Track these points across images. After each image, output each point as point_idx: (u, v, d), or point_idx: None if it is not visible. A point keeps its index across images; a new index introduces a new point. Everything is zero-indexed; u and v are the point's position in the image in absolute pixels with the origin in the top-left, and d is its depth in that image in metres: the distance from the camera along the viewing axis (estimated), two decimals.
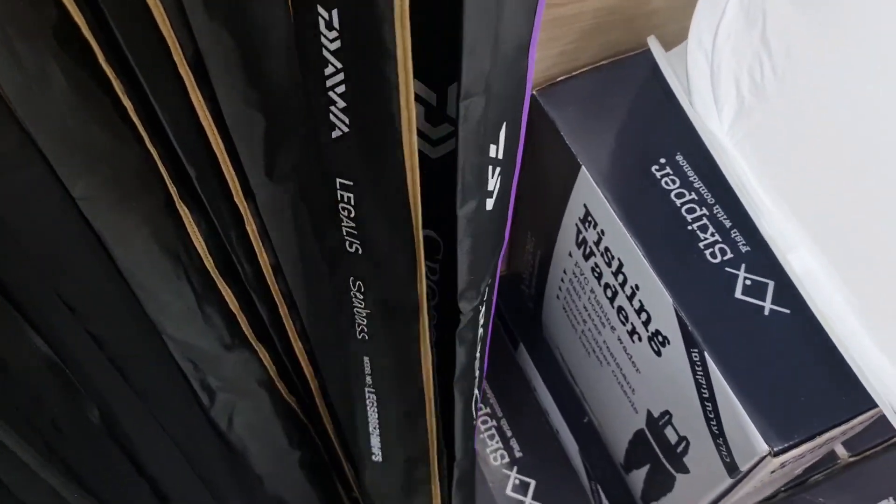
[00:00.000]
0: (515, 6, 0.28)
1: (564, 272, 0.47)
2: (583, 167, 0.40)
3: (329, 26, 0.24)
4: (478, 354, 0.41)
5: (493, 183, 0.33)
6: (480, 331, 0.40)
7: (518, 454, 0.53)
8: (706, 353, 0.35)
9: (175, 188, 0.29)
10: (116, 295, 0.31)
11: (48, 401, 0.31)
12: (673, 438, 0.40)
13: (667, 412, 0.40)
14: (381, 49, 0.26)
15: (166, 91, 0.26)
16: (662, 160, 0.40)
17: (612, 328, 0.43)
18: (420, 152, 0.32)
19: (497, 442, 0.54)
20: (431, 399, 0.39)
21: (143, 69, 0.25)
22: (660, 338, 0.38)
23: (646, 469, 0.46)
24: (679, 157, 0.40)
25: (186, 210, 0.30)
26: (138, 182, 0.29)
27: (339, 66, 0.26)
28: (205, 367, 0.38)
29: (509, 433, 0.54)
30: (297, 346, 0.39)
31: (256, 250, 0.33)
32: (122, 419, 0.35)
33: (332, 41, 0.25)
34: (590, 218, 0.41)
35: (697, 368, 0.35)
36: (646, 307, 0.38)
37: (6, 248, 0.27)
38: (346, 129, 0.28)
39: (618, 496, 0.51)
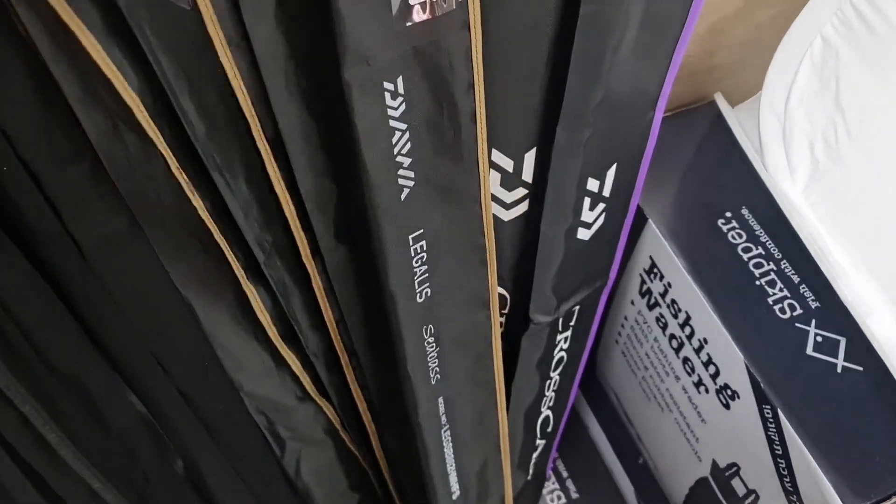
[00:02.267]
0: (640, 63, 0.29)
1: (626, 318, 0.47)
2: (650, 220, 0.41)
3: (394, 95, 0.26)
4: (553, 376, 0.42)
5: (593, 216, 0.34)
6: (561, 354, 0.41)
7: (574, 495, 0.54)
8: (779, 411, 0.35)
9: (242, 271, 0.31)
10: (203, 356, 0.33)
11: (141, 455, 0.32)
12: (741, 490, 0.40)
13: (734, 464, 0.40)
14: (455, 114, 0.27)
15: (244, 167, 0.27)
16: (728, 214, 0.40)
17: (677, 377, 0.43)
18: (493, 215, 0.33)
19: (553, 483, 0.54)
20: (506, 423, 0.40)
21: (217, 141, 0.26)
22: (729, 391, 0.38)
23: None
24: (745, 211, 0.40)
25: (252, 288, 0.32)
26: (213, 263, 0.30)
27: (404, 127, 0.27)
28: (277, 419, 0.39)
29: (565, 474, 0.55)
30: (357, 396, 0.41)
31: (322, 306, 0.34)
32: (204, 469, 0.36)
33: (396, 108, 0.26)
34: (656, 269, 0.42)
35: (770, 425, 0.36)
36: (714, 361, 0.39)
37: (112, 317, 0.28)
38: (411, 185, 0.29)
39: None
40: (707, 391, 0.40)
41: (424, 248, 0.31)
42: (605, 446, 0.56)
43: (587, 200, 0.34)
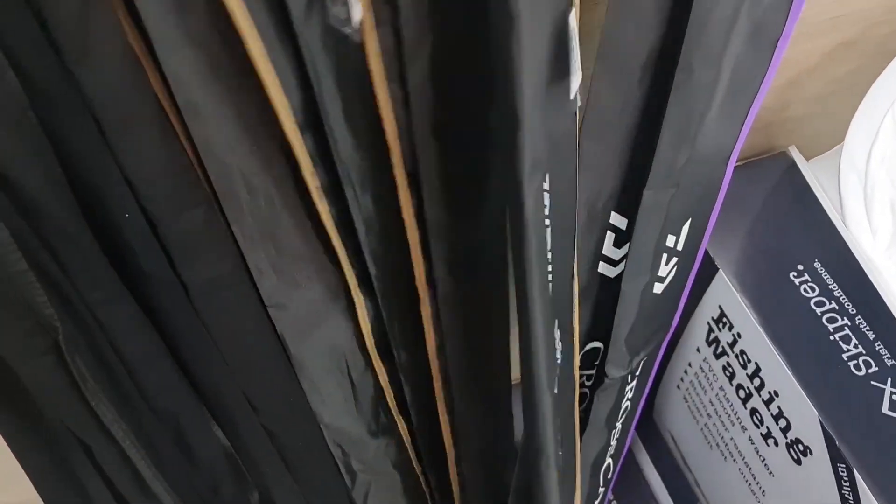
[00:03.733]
0: (722, 120, 0.30)
1: (689, 365, 0.47)
2: (720, 270, 0.41)
3: (547, 192, 0.27)
4: (618, 425, 0.42)
5: (667, 270, 0.35)
6: (627, 404, 0.41)
7: None
8: (855, 470, 0.35)
9: (355, 279, 0.31)
10: (291, 393, 0.34)
11: (223, 489, 0.33)
12: None
13: None
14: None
15: (376, 187, 0.28)
16: (800, 266, 0.40)
17: (743, 428, 0.43)
18: (600, 274, 0.34)
19: None
20: (579, 474, 0.40)
21: (357, 158, 0.27)
22: (800, 447, 0.38)
23: None
24: (818, 265, 0.40)
25: (361, 297, 0.32)
26: (323, 279, 0.31)
27: (548, 223, 0.28)
28: (351, 452, 0.40)
29: None
30: (443, 419, 0.41)
31: (426, 330, 0.35)
32: (279, 501, 0.37)
33: (546, 206, 0.27)
34: (725, 319, 0.42)
35: (844, 483, 0.35)
36: (785, 414, 0.39)
37: (209, 358, 0.29)
38: (551, 278, 0.30)
39: None
40: (776, 444, 0.40)
41: (558, 338, 0.32)
42: (660, 488, 0.56)
43: (664, 256, 0.34)
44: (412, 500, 0.47)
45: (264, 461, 0.34)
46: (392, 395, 0.39)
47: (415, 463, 0.44)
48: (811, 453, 0.37)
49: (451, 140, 0.26)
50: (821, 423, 0.36)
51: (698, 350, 0.46)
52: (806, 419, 0.37)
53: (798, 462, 0.38)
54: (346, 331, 0.34)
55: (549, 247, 0.28)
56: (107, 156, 0.23)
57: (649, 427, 0.57)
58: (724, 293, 0.41)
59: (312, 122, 0.25)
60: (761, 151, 0.45)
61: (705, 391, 0.46)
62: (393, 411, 0.40)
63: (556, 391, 0.34)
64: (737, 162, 0.46)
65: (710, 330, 0.43)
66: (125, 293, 0.25)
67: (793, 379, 0.37)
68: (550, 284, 0.30)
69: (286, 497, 0.37)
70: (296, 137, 0.25)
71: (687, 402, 0.49)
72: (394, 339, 0.35)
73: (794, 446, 0.38)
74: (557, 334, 0.32)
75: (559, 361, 0.33)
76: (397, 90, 0.24)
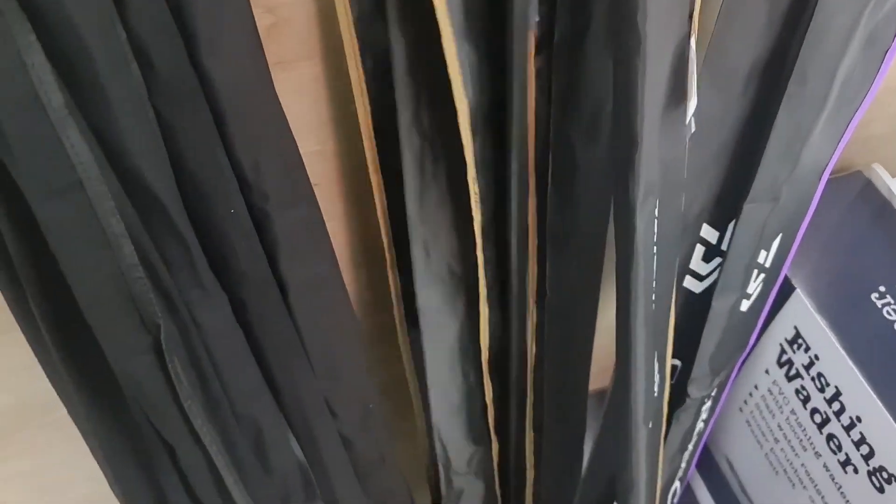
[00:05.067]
0: (825, 132, 0.29)
1: (756, 387, 0.46)
2: (797, 290, 0.40)
3: (656, 217, 0.26)
4: (690, 447, 0.41)
5: (755, 287, 0.34)
6: (700, 425, 0.40)
7: None
8: None
9: (486, 290, 0.31)
10: (371, 399, 0.33)
11: (293, 498, 0.32)
12: None
13: None
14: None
15: (521, 197, 0.28)
16: (882, 288, 0.39)
17: (817, 454, 0.41)
18: (685, 289, 0.33)
19: None
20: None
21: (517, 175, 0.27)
22: (884, 475, 0.37)
23: None
24: None
25: (487, 309, 0.32)
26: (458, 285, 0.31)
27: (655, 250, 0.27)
28: (453, 456, 0.39)
29: None
30: (528, 437, 0.40)
31: (528, 344, 0.34)
32: None
33: (655, 231, 0.26)
34: (800, 340, 0.40)
35: None
36: (868, 441, 0.37)
37: (295, 362, 0.29)
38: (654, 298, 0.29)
39: None
40: (856, 471, 0.38)
41: (657, 370, 0.31)
42: None
43: (755, 272, 0.33)
44: None
45: (337, 472, 0.33)
46: (493, 414, 0.38)
47: (497, 482, 0.43)
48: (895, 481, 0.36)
49: (578, 147, 0.26)
50: None
51: (767, 372, 0.44)
52: (892, 445, 0.36)
53: (881, 490, 0.37)
54: (467, 339, 0.34)
55: (654, 275, 0.28)
56: (220, 150, 0.22)
57: (703, 453, 0.55)
58: (801, 313, 0.40)
59: (482, 125, 0.25)
60: (839, 169, 0.44)
61: (773, 415, 0.45)
62: (491, 428, 0.39)
63: (650, 425, 0.33)
64: None
65: (783, 351, 0.42)
66: (222, 295, 0.25)
67: (879, 403, 0.36)
68: (653, 307, 0.29)
69: None
70: (468, 140, 0.24)
71: (750, 425, 0.48)
72: (511, 354, 0.35)
73: (878, 474, 0.37)
74: (657, 366, 0.31)
75: (656, 394, 0.32)
76: (544, 80, 0.24)
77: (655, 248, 0.26)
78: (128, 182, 0.20)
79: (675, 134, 0.25)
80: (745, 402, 0.48)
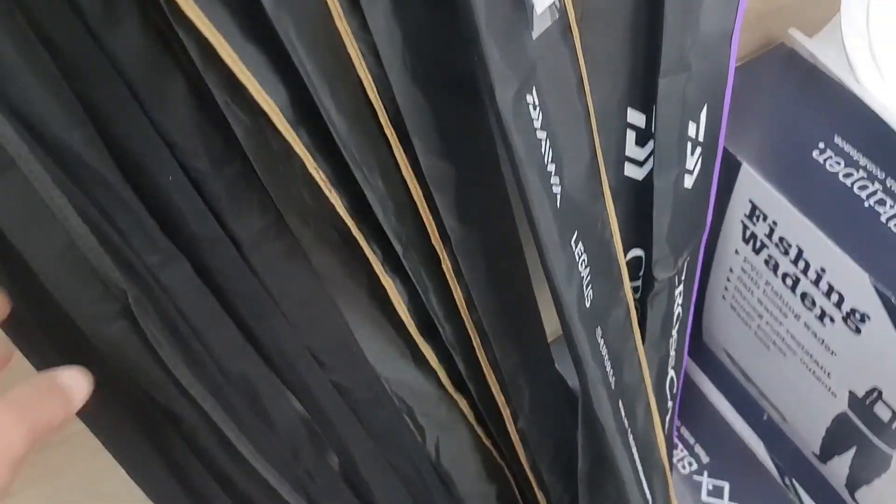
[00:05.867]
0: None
1: (731, 270, 0.47)
2: (743, 164, 0.41)
3: (535, 106, 0.27)
4: (674, 334, 0.42)
5: (693, 162, 0.35)
6: (678, 310, 0.41)
7: (705, 459, 0.53)
8: None
9: (380, 265, 0.32)
10: (352, 343, 0.34)
11: (302, 453, 0.34)
12: (885, 415, 0.40)
13: (874, 389, 0.40)
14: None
15: (379, 162, 0.29)
16: (821, 144, 0.41)
17: (797, 316, 0.43)
18: (628, 178, 0.34)
19: (682, 450, 0.54)
20: (651, 389, 0.40)
21: (354, 136, 0.28)
22: (857, 315, 0.38)
23: (851, 453, 0.45)
24: (837, 139, 0.40)
25: (391, 281, 0.33)
26: (354, 257, 0.32)
27: (544, 135, 0.29)
28: (414, 405, 0.40)
29: (692, 440, 0.55)
30: (491, 380, 0.42)
31: (451, 288, 0.36)
32: (359, 461, 0.37)
33: (537, 119, 0.27)
34: (757, 212, 0.42)
35: None
36: (836, 288, 0.39)
37: (269, 315, 0.30)
38: (559, 191, 0.30)
39: (815, 488, 0.51)
40: (833, 321, 0.40)
41: (583, 250, 0.32)
42: (726, 408, 0.56)
43: (689, 146, 0.35)
44: (484, 458, 0.47)
45: (338, 420, 0.35)
46: (445, 373, 0.39)
47: (478, 429, 0.44)
48: (869, 318, 0.37)
49: (425, 86, 0.27)
50: (873, 285, 0.36)
51: (737, 252, 0.46)
52: (858, 286, 0.37)
53: (857, 331, 0.38)
54: (383, 318, 0.35)
55: (548, 158, 0.29)
56: (143, 120, 0.24)
57: (703, 351, 0.57)
58: (753, 186, 0.41)
59: (301, 116, 0.26)
60: (763, 45, 0.45)
61: (752, 292, 0.46)
62: (449, 389, 0.40)
63: (586, 305, 0.34)
64: (740, 60, 0.47)
65: (745, 227, 0.44)
66: (180, 256, 0.26)
67: (837, 250, 0.37)
68: (558, 197, 0.31)
69: (365, 456, 0.37)
70: (288, 133, 0.26)
71: (735, 310, 0.49)
72: (434, 314, 0.36)
73: (851, 317, 0.38)
74: (580, 247, 0.33)
75: (583, 273, 0.33)
76: (367, 48, 0.25)
77: (542, 133, 0.27)
78: (62, 158, 0.22)
79: (526, 22, 0.26)
80: (726, 288, 0.49)
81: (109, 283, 0.23)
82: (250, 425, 0.30)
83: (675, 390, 0.46)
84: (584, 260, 0.33)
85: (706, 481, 0.53)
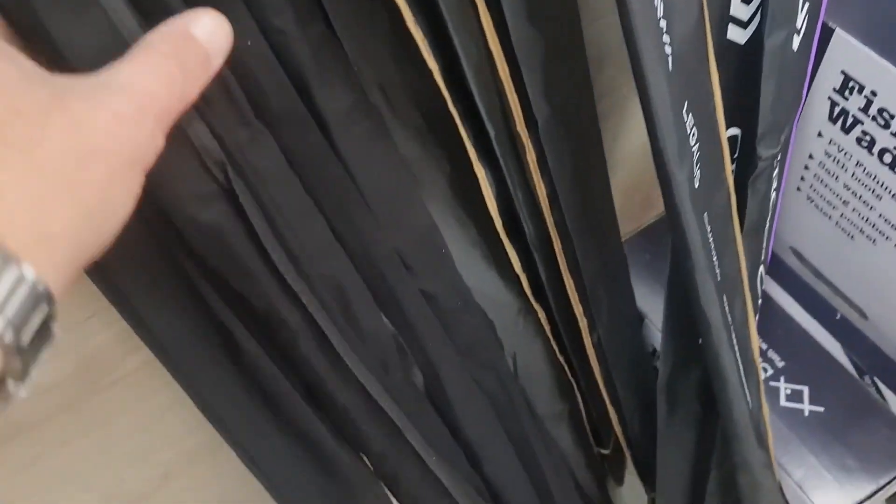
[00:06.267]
0: None
1: (811, 157, 0.44)
2: (837, 30, 0.38)
3: None
4: (767, 223, 0.39)
5: (801, 18, 0.32)
6: (773, 195, 0.38)
7: (780, 364, 0.51)
8: None
9: (473, 150, 0.29)
10: (438, 248, 0.31)
11: (390, 363, 0.31)
12: None
13: None
14: None
15: (472, 36, 0.26)
16: None
17: (894, 196, 0.40)
18: (731, 42, 0.31)
19: None
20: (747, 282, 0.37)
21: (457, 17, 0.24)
22: None
23: None
24: None
25: (482, 169, 0.30)
26: (434, 144, 0.28)
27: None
28: (495, 318, 0.37)
29: (764, 346, 0.52)
30: (574, 299, 0.38)
31: (535, 182, 0.32)
32: (444, 378, 0.34)
33: None
34: (851, 83, 0.38)
35: None
36: None
37: (357, 210, 0.26)
38: (670, 55, 0.27)
39: None
40: None
41: (693, 123, 0.29)
42: (796, 311, 0.53)
43: (801, 1, 0.31)
44: (558, 375, 0.45)
45: (426, 332, 0.32)
46: (527, 280, 0.36)
47: (553, 344, 0.41)
48: None
49: None
50: None
51: (820, 135, 0.42)
52: None
53: None
54: (466, 216, 0.32)
55: (660, 12, 0.25)
56: None
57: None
58: (847, 53, 0.38)
59: None
60: None
61: (837, 177, 0.43)
62: (530, 297, 0.37)
63: (695, 186, 0.31)
64: None
65: (834, 104, 0.40)
66: (268, 133, 0.22)
67: None
68: (670, 59, 0.27)
69: (450, 372, 0.34)
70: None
71: (813, 200, 0.46)
72: (520, 209, 0.32)
73: None
74: (690, 119, 0.29)
75: (693, 150, 0.30)
76: None
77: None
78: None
79: None
80: (803, 178, 0.46)
81: (206, 154, 0.20)
82: (346, 331, 0.27)
83: (763, 286, 0.43)
84: (694, 134, 0.30)
85: (783, 386, 0.50)
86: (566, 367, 0.44)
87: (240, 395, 0.27)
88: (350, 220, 0.26)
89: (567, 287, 0.38)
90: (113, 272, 0.23)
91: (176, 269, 0.24)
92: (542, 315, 0.39)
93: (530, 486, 0.41)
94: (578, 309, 0.40)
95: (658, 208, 0.58)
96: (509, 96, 0.29)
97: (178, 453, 0.43)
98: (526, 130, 0.30)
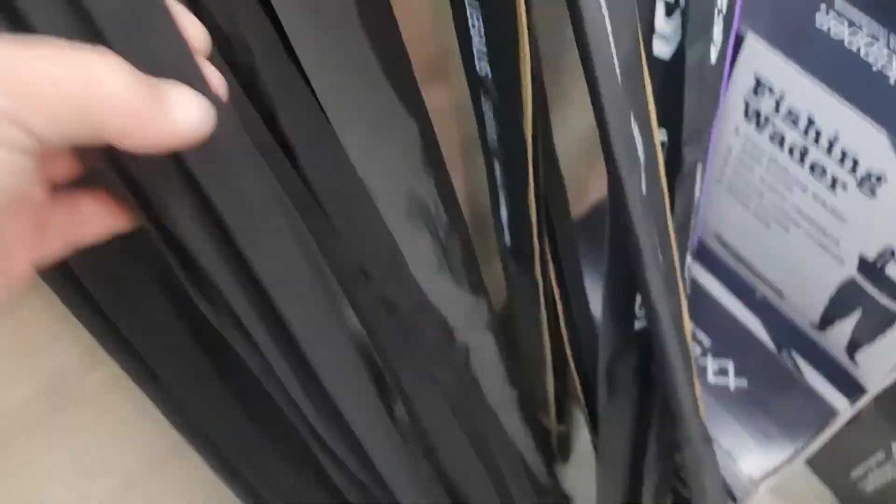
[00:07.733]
0: None
1: (729, 151, 0.48)
2: (748, 34, 0.41)
3: None
4: (692, 214, 0.42)
5: (717, 32, 0.34)
6: (697, 192, 0.41)
7: (707, 343, 0.55)
8: None
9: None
10: (392, 258, 0.33)
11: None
12: None
13: (887, 250, 0.41)
14: None
15: None
16: (823, 6, 0.40)
17: (803, 188, 0.44)
18: (657, 59, 0.33)
19: None
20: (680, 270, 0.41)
21: None
22: (874, 178, 0.39)
23: (854, 317, 0.47)
24: (838, 1, 0.40)
25: None
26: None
27: None
28: (447, 313, 0.39)
29: (692, 326, 0.56)
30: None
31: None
32: (402, 376, 0.36)
33: None
34: (762, 86, 0.42)
35: None
36: (850, 153, 0.39)
37: (323, 229, 0.28)
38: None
39: (814, 355, 0.53)
40: (845, 187, 0.41)
41: (637, 131, 0.31)
42: (719, 291, 0.57)
43: (716, 13, 0.34)
44: (507, 365, 0.47)
45: (383, 338, 0.33)
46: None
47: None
48: (885, 180, 0.38)
49: None
50: (890, 144, 0.37)
51: (737, 131, 0.46)
52: (874, 147, 0.38)
53: (872, 194, 0.39)
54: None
55: (609, 30, 0.28)
56: None
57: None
58: (758, 59, 0.41)
59: None
60: None
61: (752, 170, 0.47)
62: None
63: (643, 191, 0.33)
64: None
65: (748, 105, 0.44)
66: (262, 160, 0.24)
67: (851, 112, 0.38)
68: (617, 70, 0.30)
69: (407, 372, 0.36)
70: None
71: (732, 191, 0.50)
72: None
73: (867, 180, 0.39)
74: (636, 128, 0.32)
75: (641, 158, 0.33)
76: None
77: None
78: None
79: None
80: (722, 171, 0.50)
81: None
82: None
83: (690, 275, 0.46)
84: (639, 141, 0.32)
85: (711, 362, 0.54)
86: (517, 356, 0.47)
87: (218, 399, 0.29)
88: (326, 247, 0.28)
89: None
90: (88, 283, 0.24)
91: (152, 281, 0.25)
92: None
93: (483, 471, 0.43)
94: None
95: (587, 202, 0.61)
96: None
97: (140, 462, 0.44)
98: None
